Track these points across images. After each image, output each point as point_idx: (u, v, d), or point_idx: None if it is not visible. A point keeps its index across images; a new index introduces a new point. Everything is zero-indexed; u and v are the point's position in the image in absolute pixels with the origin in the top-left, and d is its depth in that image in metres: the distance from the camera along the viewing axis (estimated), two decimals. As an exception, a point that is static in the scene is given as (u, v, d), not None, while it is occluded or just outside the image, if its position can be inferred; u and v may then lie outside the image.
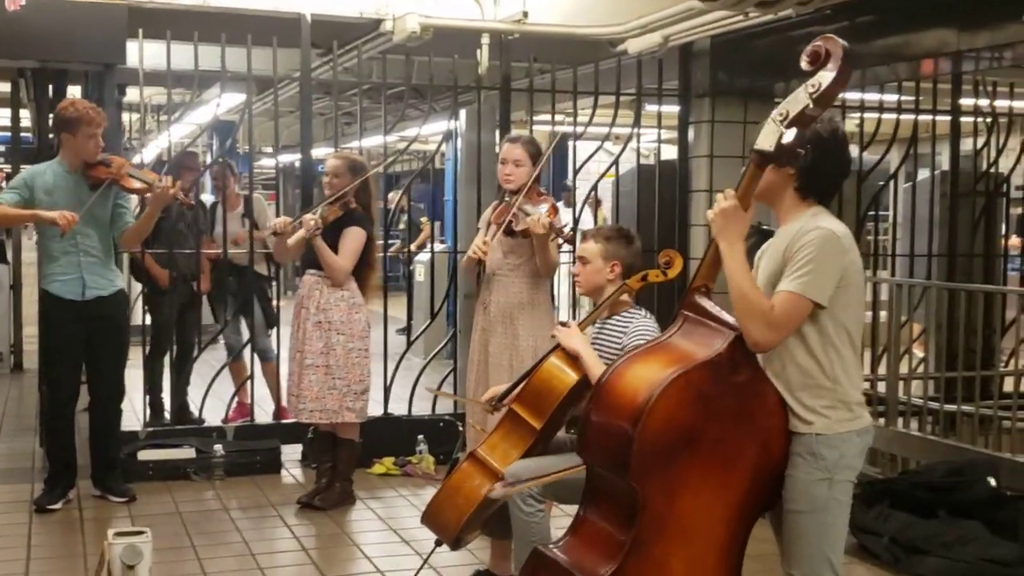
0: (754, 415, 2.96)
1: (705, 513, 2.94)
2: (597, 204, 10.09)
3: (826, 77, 2.76)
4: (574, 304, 7.83)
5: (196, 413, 6.93)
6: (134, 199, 5.91)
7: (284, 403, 6.54)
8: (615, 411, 2.93)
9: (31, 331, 8.57)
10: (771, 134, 2.81)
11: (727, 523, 2.97)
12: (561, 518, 5.06)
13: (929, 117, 7.90)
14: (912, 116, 7.80)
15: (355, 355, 5.66)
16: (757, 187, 2.95)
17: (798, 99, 2.78)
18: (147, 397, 7.15)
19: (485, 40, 6.78)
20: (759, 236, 5.85)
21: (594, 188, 7.51)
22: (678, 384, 2.84)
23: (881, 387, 6.49)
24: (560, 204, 7.46)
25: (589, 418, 3.04)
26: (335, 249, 5.59)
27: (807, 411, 2.95)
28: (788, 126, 2.78)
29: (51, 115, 7.59)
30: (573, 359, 3.90)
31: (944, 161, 8.48)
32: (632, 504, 2.88)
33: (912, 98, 7.65)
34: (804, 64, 2.80)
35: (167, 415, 7.12)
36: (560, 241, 5.01)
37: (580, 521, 3.13)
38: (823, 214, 2.99)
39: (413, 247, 11.20)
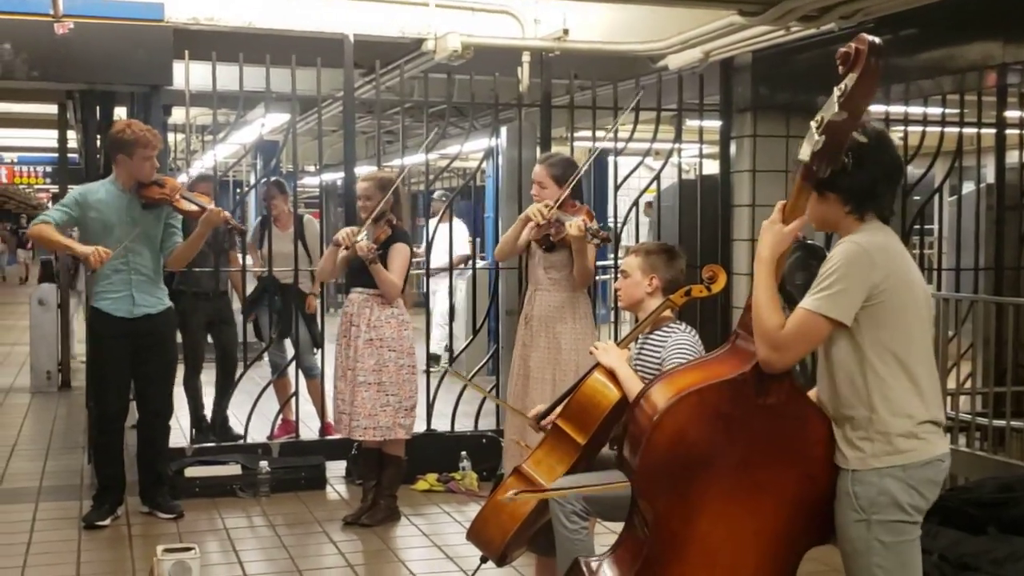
0: (792, 441, 2.83)
1: (730, 539, 2.82)
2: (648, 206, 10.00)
3: (851, 79, 2.62)
4: (616, 319, 7.81)
5: (238, 429, 6.98)
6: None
7: (331, 420, 6.58)
8: (637, 425, 2.91)
9: (79, 349, 8.70)
10: (808, 142, 2.72)
11: (760, 551, 2.84)
12: (606, 535, 5.06)
13: (974, 130, 7.82)
14: (957, 129, 7.73)
15: (406, 371, 5.72)
16: (815, 218, 2.88)
17: (830, 104, 2.67)
18: (191, 416, 7.20)
19: (526, 58, 6.80)
20: (803, 250, 5.84)
21: (635, 204, 7.50)
22: (689, 401, 2.77)
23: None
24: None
25: (625, 430, 3.03)
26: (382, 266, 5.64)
27: (845, 443, 2.79)
28: (820, 133, 2.67)
29: (98, 136, 7.76)
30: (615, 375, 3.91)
31: (989, 174, 8.39)
32: (646, 521, 2.83)
33: (957, 111, 7.58)
34: (839, 67, 2.68)
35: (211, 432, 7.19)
36: (597, 242, 5.05)
37: (619, 540, 3.12)
38: (870, 228, 2.82)
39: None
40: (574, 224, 4.96)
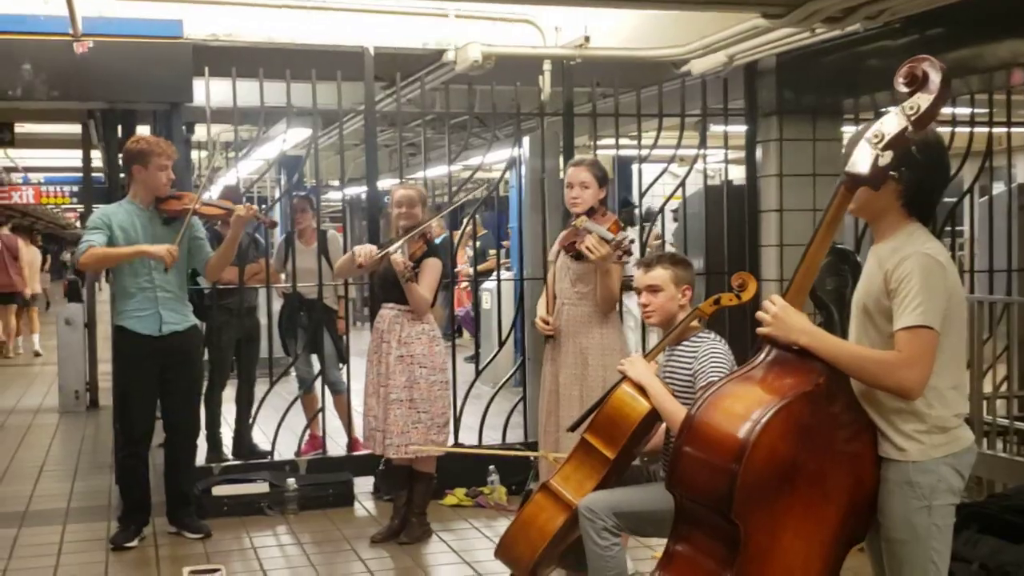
0: (847, 444, 2.91)
1: (805, 548, 2.88)
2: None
3: (924, 100, 2.72)
4: (643, 329, 7.73)
5: (264, 446, 6.94)
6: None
7: (358, 436, 6.53)
8: (713, 445, 2.87)
9: (106, 368, 8.71)
10: (866, 156, 2.76)
11: (824, 558, 2.91)
12: (637, 549, 4.98)
13: (1003, 129, 7.71)
14: (986, 129, 7.62)
15: (437, 388, 5.65)
16: (861, 203, 2.92)
17: (895, 121, 2.74)
18: (206, 433, 7.13)
19: (547, 66, 6.75)
20: (834, 254, 5.78)
21: (660, 211, 7.43)
22: (780, 416, 2.78)
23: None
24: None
25: (681, 451, 2.97)
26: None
27: (901, 436, 2.88)
28: (884, 148, 2.74)
29: (120, 155, 7.76)
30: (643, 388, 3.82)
31: (1020, 174, 8.28)
32: (731, 540, 2.82)
33: (985, 110, 7.47)
34: (900, 85, 2.76)
35: (226, 450, 7.17)
36: (619, 255, 4.73)
37: (671, 556, 3.06)
38: (919, 232, 2.92)
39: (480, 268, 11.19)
40: (594, 245, 4.68)
